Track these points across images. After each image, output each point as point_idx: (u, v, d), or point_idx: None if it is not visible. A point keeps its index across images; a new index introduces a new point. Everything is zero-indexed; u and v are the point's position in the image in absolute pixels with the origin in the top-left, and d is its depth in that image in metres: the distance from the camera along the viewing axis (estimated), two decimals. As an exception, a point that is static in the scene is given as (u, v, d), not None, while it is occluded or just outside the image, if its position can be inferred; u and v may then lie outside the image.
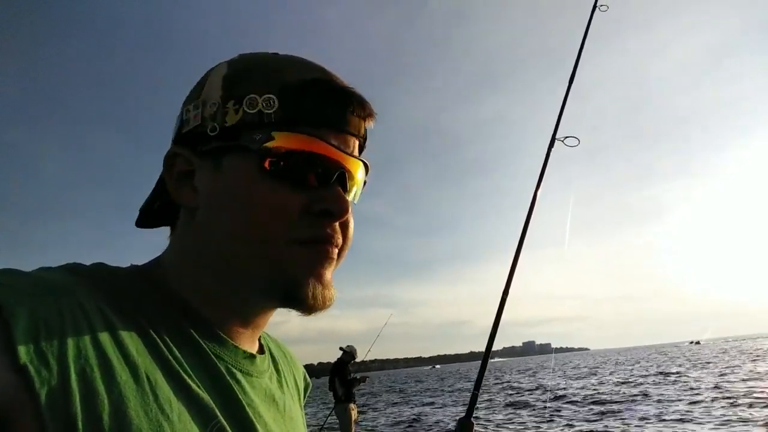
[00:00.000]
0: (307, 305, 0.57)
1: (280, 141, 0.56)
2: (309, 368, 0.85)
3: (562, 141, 2.46)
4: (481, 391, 2.05)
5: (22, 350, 0.39)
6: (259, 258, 0.56)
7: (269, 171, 0.56)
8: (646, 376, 25.63)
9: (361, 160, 0.63)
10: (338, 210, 0.58)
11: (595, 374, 32.07)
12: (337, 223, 0.59)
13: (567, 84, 2.62)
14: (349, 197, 0.64)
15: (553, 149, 2.47)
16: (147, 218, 0.67)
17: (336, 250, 0.60)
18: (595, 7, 2.80)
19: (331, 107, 0.59)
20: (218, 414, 0.51)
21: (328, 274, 0.59)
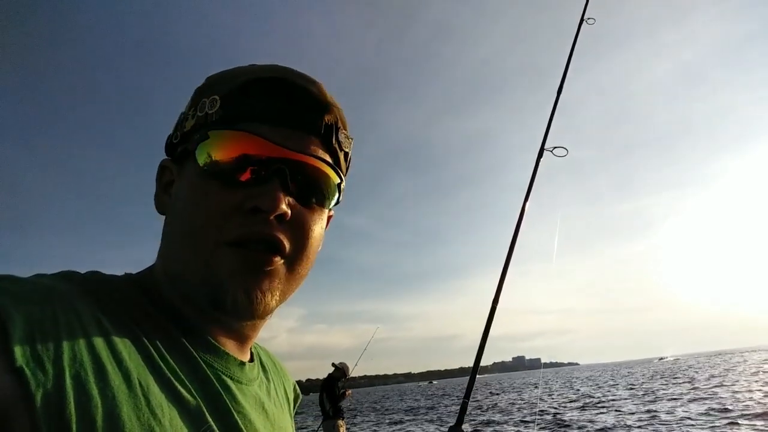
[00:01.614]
0: (230, 312, 0.55)
1: (215, 140, 0.56)
2: (297, 385, 0.84)
3: (551, 151, 2.47)
4: (471, 399, 2.05)
5: (18, 353, 0.40)
6: (191, 261, 0.55)
7: (204, 171, 0.56)
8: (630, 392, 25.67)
9: (317, 157, 0.59)
10: (267, 205, 0.54)
11: (577, 391, 32.08)
12: (275, 221, 0.56)
13: (555, 95, 2.65)
14: (322, 200, 0.61)
15: (542, 160, 2.48)
16: None
17: (274, 261, 0.57)
18: (582, 19, 2.86)
19: (273, 102, 0.57)
20: (209, 419, 0.51)
21: (264, 282, 0.56)
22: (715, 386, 22.59)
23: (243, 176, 0.56)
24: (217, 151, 0.56)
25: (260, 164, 0.56)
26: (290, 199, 0.57)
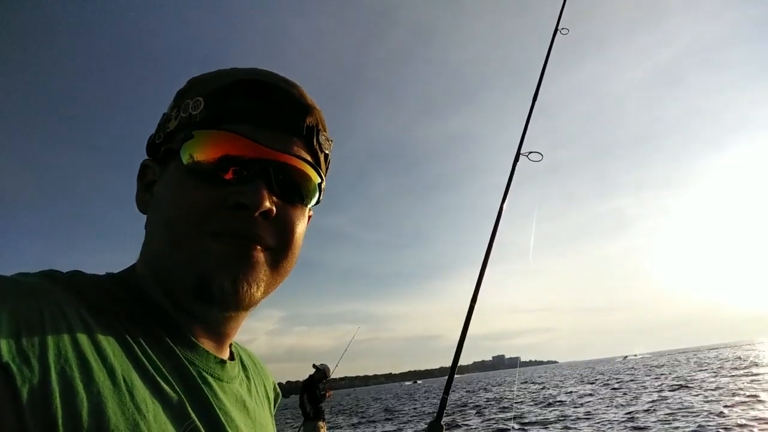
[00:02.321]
0: (216, 300, 0.56)
1: (199, 139, 0.57)
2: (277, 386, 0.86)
3: (527, 156, 2.55)
4: (450, 395, 2.10)
5: (4, 348, 0.40)
6: (174, 253, 0.56)
7: (188, 169, 0.57)
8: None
9: (299, 157, 0.61)
10: (251, 202, 0.56)
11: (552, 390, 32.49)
12: (259, 217, 0.57)
13: (530, 102, 2.71)
14: (304, 199, 0.63)
15: (518, 164, 2.55)
16: None
17: (259, 252, 0.58)
18: (556, 30, 2.93)
19: (255, 104, 0.59)
20: (192, 415, 0.52)
21: (250, 272, 0.57)
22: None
23: (227, 175, 0.57)
24: (202, 150, 0.57)
25: (245, 163, 0.57)
26: (274, 198, 0.59)
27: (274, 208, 0.58)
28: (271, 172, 0.58)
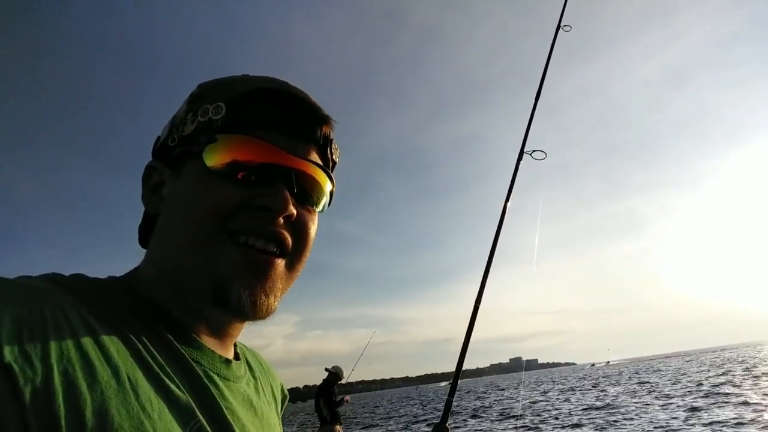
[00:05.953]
0: (233, 310, 0.57)
1: (223, 142, 0.59)
2: (294, 391, 0.86)
3: (530, 154, 2.56)
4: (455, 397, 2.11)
5: (6, 350, 0.41)
6: (192, 252, 0.57)
7: (211, 170, 0.58)
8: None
9: (317, 164, 0.63)
10: (276, 204, 0.58)
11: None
12: (281, 220, 0.59)
13: (533, 100, 2.71)
14: (317, 204, 0.65)
15: (521, 163, 2.55)
16: (146, 238, 0.69)
17: (277, 261, 0.60)
18: (558, 27, 2.94)
19: (276, 111, 0.61)
20: (198, 414, 0.52)
21: (267, 283, 0.59)
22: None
23: (250, 178, 0.59)
24: (225, 153, 0.58)
25: (268, 167, 0.59)
26: (293, 201, 0.60)
27: (295, 212, 0.60)
28: (293, 177, 0.61)
